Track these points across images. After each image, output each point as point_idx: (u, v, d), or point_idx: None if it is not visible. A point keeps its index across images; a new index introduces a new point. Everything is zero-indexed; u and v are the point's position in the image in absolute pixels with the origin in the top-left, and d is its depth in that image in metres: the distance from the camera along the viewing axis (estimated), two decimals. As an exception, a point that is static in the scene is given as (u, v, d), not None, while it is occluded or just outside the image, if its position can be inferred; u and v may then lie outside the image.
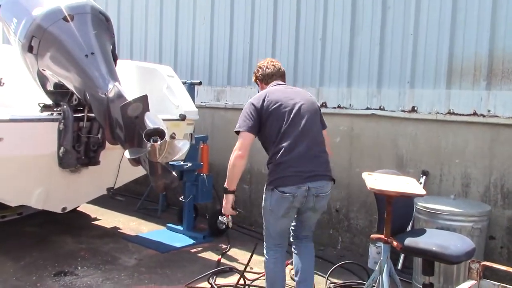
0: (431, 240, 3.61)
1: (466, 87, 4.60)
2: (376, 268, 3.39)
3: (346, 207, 5.51)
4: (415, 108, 4.91)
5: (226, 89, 6.59)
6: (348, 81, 5.40)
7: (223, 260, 5.11)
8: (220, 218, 3.91)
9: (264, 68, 3.81)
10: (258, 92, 3.78)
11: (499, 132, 4.46)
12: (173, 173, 3.68)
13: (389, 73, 5.09)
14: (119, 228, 6.13)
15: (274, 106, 3.45)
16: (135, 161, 3.74)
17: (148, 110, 3.51)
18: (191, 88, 5.77)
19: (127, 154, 3.30)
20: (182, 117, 5.03)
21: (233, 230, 5.80)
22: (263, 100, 3.46)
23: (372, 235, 3.41)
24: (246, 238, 5.88)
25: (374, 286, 3.42)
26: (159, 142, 3.32)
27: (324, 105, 5.57)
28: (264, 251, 3.70)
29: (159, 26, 7.44)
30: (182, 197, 5.80)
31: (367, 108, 5.25)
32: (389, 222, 3.31)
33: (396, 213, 3.70)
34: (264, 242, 3.70)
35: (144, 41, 7.69)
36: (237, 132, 3.47)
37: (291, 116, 3.45)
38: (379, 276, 3.36)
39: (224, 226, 4.32)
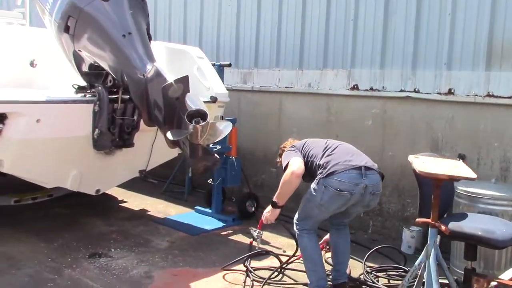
0: (476, 224, 3.55)
1: (507, 69, 4.49)
2: (423, 252, 3.33)
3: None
4: (452, 91, 4.81)
5: (253, 71, 6.50)
6: (381, 62, 5.29)
7: (254, 243, 5.07)
8: (252, 231, 4.24)
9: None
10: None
11: (541, 115, 4.36)
12: (215, 155, 3.62)
13: (425, 54, 4.98)
14: (147, 211, 6.12)
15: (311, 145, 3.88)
16: (173, 143, 3.68)
17: (189, 91, 3.45)
18: (220, 70, 5.69)
19: (169, 135, 3.24)
20: (213, 99, 4.97)
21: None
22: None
23: (418, 219, 3.34)
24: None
25: (419, 271, 3.36)
26: (201, 124, 3.26)
27: (355, 87, 5.49)
28: (297, 231, 3.79)
29: (183, 5, 7.33)
30: (211, 180, 5.76)
31: (401, 91, 5.15)
32: (437, 206, 3.24)
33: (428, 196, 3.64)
34: (297, 222, 3.79)
35: (168, 21, 7.59)
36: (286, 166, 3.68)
37: (329, 145, 3.85)
38: (426, 261, 3.30)
39: (253, 240, 4.36)
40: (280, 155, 3.93)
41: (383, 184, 5.32)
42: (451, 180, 3.19)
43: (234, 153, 5.83)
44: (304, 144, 3.81)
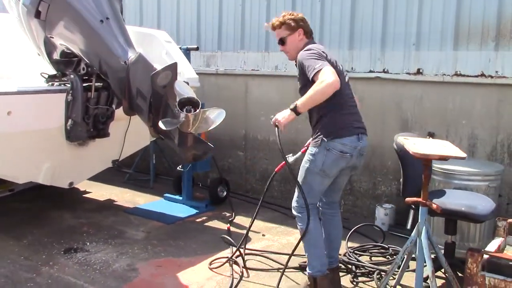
0: (458, 201, 3.70)
1: (474, 49, 4.65)
2: (414, 231, 3.42)
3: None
4: (421, 71, 4.93)
5: (216, 54, 6.39)
6: (349, 43, 5.34)
7: (232, 228, 5.06)
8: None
9: (307, 23, 3.67)
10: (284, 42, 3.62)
11: (507, 93, 4.55)
12: (208, 143, 3.53)
13: (393, 35, 5.07)
14: (114, 201, 5.94)
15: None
16: (159, 132, 3.57)
17: (177, 79, 3.34)
18: (186, 53, 5.55)
19: (161, 125, 3.11)
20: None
21: (232, 198, 5.78)
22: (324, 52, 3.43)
23: (408, 199, 3.42)
24: (246, 205, 5.84)
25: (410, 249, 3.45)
26: (193, 112, 3.16)
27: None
28: (298, 213, 3.53)
29: (138, -13, 7.08)
30: (181, 166, 5.66)
31: (371, 71, 5.23)
32: (427, 185, 3.33)
33: (417, 174, 3.76)
34: (298, 200, 3.51)
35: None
36: (316, 74, 3.20)
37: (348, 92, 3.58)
38: (417, 238, 3.40)
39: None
40: (298, 27, 3.58)
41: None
42: (443, 159, 3.28)
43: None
44: (330, 60, 3.37)
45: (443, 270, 3.58)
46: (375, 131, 5.28)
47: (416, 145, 3.33)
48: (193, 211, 5.51)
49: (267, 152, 6.14)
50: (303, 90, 3.35)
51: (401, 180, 4.74)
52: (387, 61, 5.12)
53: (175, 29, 6.67)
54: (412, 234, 3.43)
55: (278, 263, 4.21)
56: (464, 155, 3.21)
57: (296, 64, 3.51)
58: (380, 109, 5.24)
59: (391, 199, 5.26)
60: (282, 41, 3.62)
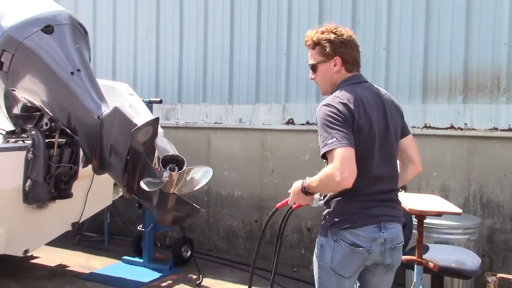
0: (446, 256, 3.60)
1: (442, 102, 4.71)
2: (410, 291, 3.27)
3: (318, 226, 5.36)
4: (391, 123, 4.93)
5: (177, 107, 6.17)
6: (317, 96, 5.28)
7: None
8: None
9: (353, 48, 2.56)
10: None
11: (477, 145, 4.61)
12: (194, 204, 3.26)
13: (361, 88, 5.06)
14: (66, 266, 5.42)
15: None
16: (132, 192, 3.28)
17: (156, 135, 3.10)
18: (149, 107, 5.29)
19: (144, 186, 2.84)
20: (151, 139, 4.57)
21: (196, 257, 5.45)
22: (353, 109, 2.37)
23: (402, 257, 3.27)
24: (212, 265, 5.52)
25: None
26: (177, 171, 2.91)
27: (291, 121, 5.42)
28: None
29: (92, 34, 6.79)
30: (141, 225, 5.29)
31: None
32: (421, 243, 3.22)
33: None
34: None
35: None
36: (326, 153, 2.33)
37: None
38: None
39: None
40: (334, 52, 2.49)
41: (320, 217, 5.34)
42: (437, 215, 3.19)
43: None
44: (358, 115, 2.37)
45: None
46: (346, 185, 5.18)
47: (409, 201, 3.22)
48: (156, 275, 5.11)
49: (232, 208, 5.88)
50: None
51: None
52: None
53: (132, 80, 6.42)
54: (409, 294, 3.28)
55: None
56: (459, 210, 3.14)
57: None
58: (349, 162, 5.17)
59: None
60: (313, 67, 2.58)
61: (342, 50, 2.50)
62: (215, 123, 5.91)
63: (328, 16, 5.18)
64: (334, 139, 2.26)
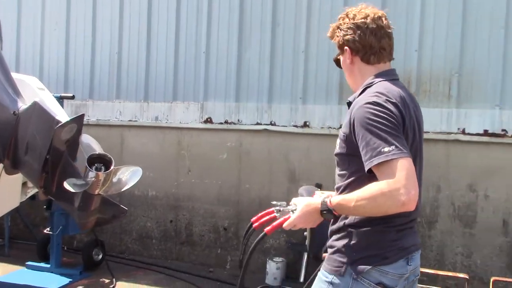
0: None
1: (357, 103, 4.89)
2: None
3: (236, 225, 5.38)
4: (308, 123, 5.05)
5: (88, 103, 5.88)
6: (236, 96, 5.29)
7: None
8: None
9: (372, 35, 2.02)
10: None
11: (388, 145, 4.84)
12: (121, 205, 3.08)
13: (280, 88, 5.15)
14: (-39, 274, 4.96)
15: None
16: (49, 193, 3.06)
17: (81, 133, 2.92)
18: (60, 102, 4.97)
19: (68, 186, 2.64)
20: (63, 136, 4.31)
21: (108, 260, 5.22)
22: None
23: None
24: (126, 268, 5.31)
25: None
26: (104, 171, 2.76)
27: (209, 120, 5.37)
28: None
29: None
30: (49, 229, 4.96)
31: (258, 124, 5.22)
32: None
33: (324, 229, 3.75)
34: None
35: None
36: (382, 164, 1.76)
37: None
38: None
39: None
40: (347, 43, 2.04)
41: (240, 218, 5.37)
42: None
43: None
44: (408, 120, 1.90)
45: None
46: (263, 183, 5.24)
47: (335, 197, 3.30)
48: (66, 280, 4.80)
49: (146, 209, 5.70)
50: (344, 163, 2.01)
51: (305, 234, 4.73)
52: (274, 114, 5.16)
53: (38, 73, 6.01)
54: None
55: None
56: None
57: (348, 107, 2.04)
58: (267, 161, 5.22)
59: (280, 252, 5.19)
60: (337, 61, 2.19)
61: (349, 37, 2.02)
62: (130, 120, 5.71)
63: (248, 17, 5.21)
64: (393, 147, 1.73)
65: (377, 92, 1.88)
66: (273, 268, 4.97)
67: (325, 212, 1.90)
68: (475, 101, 4.48)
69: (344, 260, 1.90)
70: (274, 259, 5.02)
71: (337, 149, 2.05)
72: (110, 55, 5.77)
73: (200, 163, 5.45)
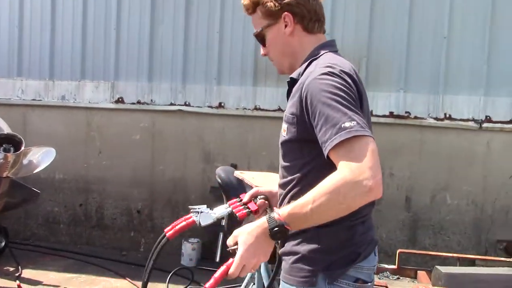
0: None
1: (271, 85, 4.97)
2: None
3: (149, 207, 5.29)
4: (223, 104, 5.05)
5: (-17, 80, 5.44)
6: (149, 75, 5.15)
7: (23, 286, 4.28)
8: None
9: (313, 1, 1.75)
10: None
11: (301, 126, 4.98)
12: (33, 188, 2.90)
13: (195, 69, 5.08)
14: None
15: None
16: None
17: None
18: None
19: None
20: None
21: (12, 248, 4.93)
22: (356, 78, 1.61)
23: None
24: (31, 255, 5.04)
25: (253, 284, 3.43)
26: (13, 152, 2.59)
27: (120, 100, 5.20)
28: None
29: None
30: None
31: (172, 104, 5.13)
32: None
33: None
34: None
35: None
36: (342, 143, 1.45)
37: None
38: (256, 273, 3.39)
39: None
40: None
41: (154, 200, 5.29)
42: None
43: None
44: (364, 95, 1.64)
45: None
46: (177, 165, 5.19)
47: (255, 179, 3.35)
48: (-35, 270, 4.49)
49: (53, 192, 5.43)
50: (293, 152, 1.71)
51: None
52: (189, 94, 5.10)
53: None
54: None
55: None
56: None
57: (289, 86, 1.73)
58: (181, 141, 5.17)
59: (195, 233, 5.19)
60: (260, 38, 1.80)
61: (290, 1, 1.72)
62: (33, 100, 5.37)
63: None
64: (355, 122, 1.43)
65: (329, 63, 1.59)
66: (189, 249, 4.98)
67: (275, 230, 1.45)
68: (381, 84, 4.72)
69: (315, 267, 1.58)
70: (189, 240, 5.03)
71: (284, 136, 1.70)
72: (10, 28, 5.36)
73: (111, 145, 5.27)
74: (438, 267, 3.32)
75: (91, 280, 4.47)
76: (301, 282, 1.58)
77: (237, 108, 5.03)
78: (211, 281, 1.58)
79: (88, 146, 5.31)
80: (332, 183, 1.42)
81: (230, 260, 1.51)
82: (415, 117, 4.69)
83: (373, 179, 1.40)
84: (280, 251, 1.67)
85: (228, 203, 1.97)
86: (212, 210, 1.83)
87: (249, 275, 3.38)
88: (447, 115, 4.72)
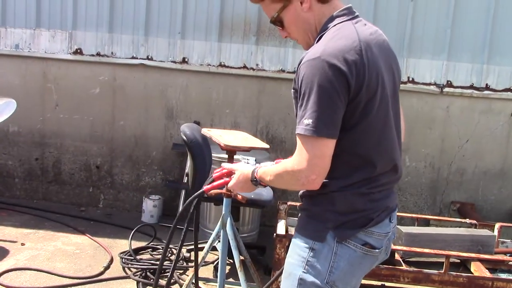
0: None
1: (237, 42, 4.87)
2: (218, 223, 3.41)
3: (109, 162, 5.17)
4: (186, 60, 4.92)
5: None
6: (109, 25, 4.92)
7: None
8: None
9: None
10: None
11: (266, 85, 4.94)
12: None
13: (158, 21, 4.90)
14: None
15: (379, 81, 1.67)
16: None
17: None
18: None
19: None
20: None
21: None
22: (358, 62, 1.62)
23: (210, 191, 3.39)
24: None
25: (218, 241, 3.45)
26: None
27: (79, 51, 4.97)
28: None
29: None
30: None
31: (133, 57, 4.96)
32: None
33: (206, 166, 3.81)
34: None
35: None
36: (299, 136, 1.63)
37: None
38: (221, 231, 3.40)
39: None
40: (280, 22, 1.80)
41: (114, 156, 5.19)
42: (247, 151, 3.36)
43: None
44: (369, 72, 1.63)
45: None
46: (139, 120, 5.07)
47: (223, 137, 3.31)
48: None
49: (6, 146, 5.22)
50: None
51: (187, 171, 4.71)
52: (152, 48, 4.93)
53: None
54: (217, 226, 3.43)
55: (55, 274, 3.66)
56: (267, 146, 3.36)
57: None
58: (143, 97, 5.04)
59: (156, 190, 5.14)
60: (278, 22, 1.81)
61: None
62: (-17, 48, 5.07)
63: None
64: (312, 121, 1.57)
65: (322, 49, 1.60)
66: (150, 206, 4.93)
67: (253, 181, 1.86)
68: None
69: (327, 224, 1.71)
70: (150, 197, 4.98)
71: (295, 111, 1.73)
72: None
73: (69, 98, 5.08)
74: (398, 226, 3.42)
75: (49, 235, 4.38)
76: (311, 236, 1.74)
77: (201, 64, 4.91)
78: (209, 185, 2.16)
79: (44, 99, 5.10)
80: (282, 167, 1.71)
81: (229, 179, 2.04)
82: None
83: (306, 179, 1.61)
84: (298, 206, 1.91)
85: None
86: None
87: (215, 232, 3.40)
88: (410, 79, 4.79)
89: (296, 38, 1.84)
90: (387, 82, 1.71)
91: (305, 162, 1.60)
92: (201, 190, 2.21)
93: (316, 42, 1.69)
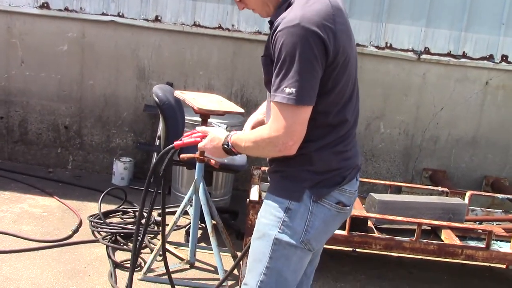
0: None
1: (212, 0, 4.69)
2: (191, 187, 3.35)
3: (78, 123, 5.01)
4: (159, 18, 4.74)
5: None
6: (79, -22, 4.70)
7: None
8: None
9: None
10: None
11: (241, 46, 4.81)
12: None
13: (130, -25, 4.69)
14: None
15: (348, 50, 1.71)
16: None
17: None
18: None
19: None
20: None
21: None
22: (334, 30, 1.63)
23: (183, 155, 3.30)
24: None
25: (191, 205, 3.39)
26: None
27: (45, 5, 4.73)
28: None
29: None
30: None
31: (104, 14, 4.74)
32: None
33: (178, 128, 3.71)
34: None
35: None
36: (277, 104, 1.64)
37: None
38: (194, 195, 3.35)
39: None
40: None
41: (83, 116, 5.03)
42: (222, 115, 3.28)
43: None
44: (342, 40, 1.66)
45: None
46: (109, 80, 4.91)
47: (196, 100, 3.21)
48: None
49: (-31, 103, 5.00)
50: (268, 86, 1.76)
51: (159, 134, 4.60)
52: (123, 4, 4.71)
53: None
54: (190, 191, 3.37)
55: (20, 237, 3.56)
56: (242, 110, 3.27)
57: (270, 29, 1.70)
58: (114, 56, 4.85)
59: (127, 152, 5.03)
60: None
61: None
62: None
63: None
64: (294, 89, 1.57)
65: (299, 14, 1.58)
66: (121, 168, 4.83)
67: (225, 147, 1.81)
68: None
69: (303, 184, 1.73)
70: (121, 159, 4.86)
71: (264, 74, 1.75)
72: None
73: (35, 54, 4.85)
74: (372, 194, 3.42)
75: (15, 197, 4.25)
76: (287, 196, 1.75)
77: (175, 23, 4.73)
78: (180, 142, 2.04)
79: (9, 55, 4.86)
80: (258, 135, 1.70)
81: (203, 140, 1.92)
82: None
83: (283, 145, 1.63)
84: (267, 170, 1.88)
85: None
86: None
87: (187, 197, 3.35)
88: (388, 44, 4.72)
89: (253, 8, 1.81)
90: (353, 42, 1.77)
91: (283, 128, 1.61)
92: (171, 145, 2.12)
93: (286, 8, 1.66)
